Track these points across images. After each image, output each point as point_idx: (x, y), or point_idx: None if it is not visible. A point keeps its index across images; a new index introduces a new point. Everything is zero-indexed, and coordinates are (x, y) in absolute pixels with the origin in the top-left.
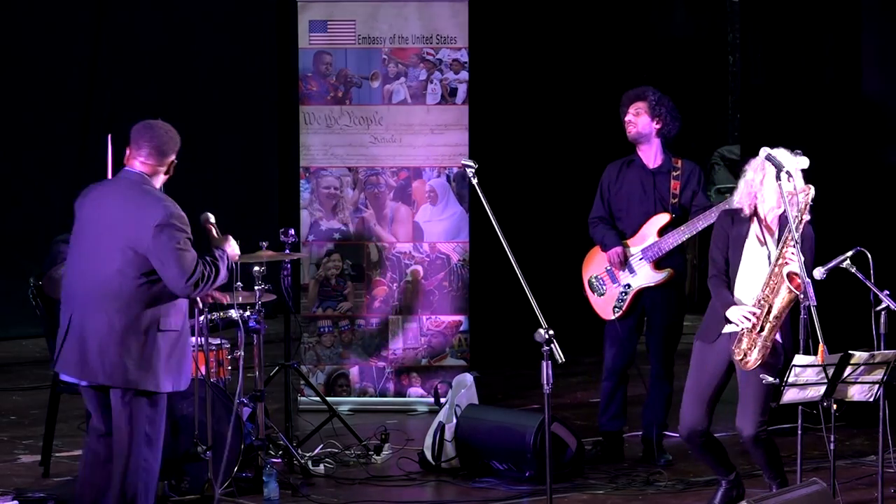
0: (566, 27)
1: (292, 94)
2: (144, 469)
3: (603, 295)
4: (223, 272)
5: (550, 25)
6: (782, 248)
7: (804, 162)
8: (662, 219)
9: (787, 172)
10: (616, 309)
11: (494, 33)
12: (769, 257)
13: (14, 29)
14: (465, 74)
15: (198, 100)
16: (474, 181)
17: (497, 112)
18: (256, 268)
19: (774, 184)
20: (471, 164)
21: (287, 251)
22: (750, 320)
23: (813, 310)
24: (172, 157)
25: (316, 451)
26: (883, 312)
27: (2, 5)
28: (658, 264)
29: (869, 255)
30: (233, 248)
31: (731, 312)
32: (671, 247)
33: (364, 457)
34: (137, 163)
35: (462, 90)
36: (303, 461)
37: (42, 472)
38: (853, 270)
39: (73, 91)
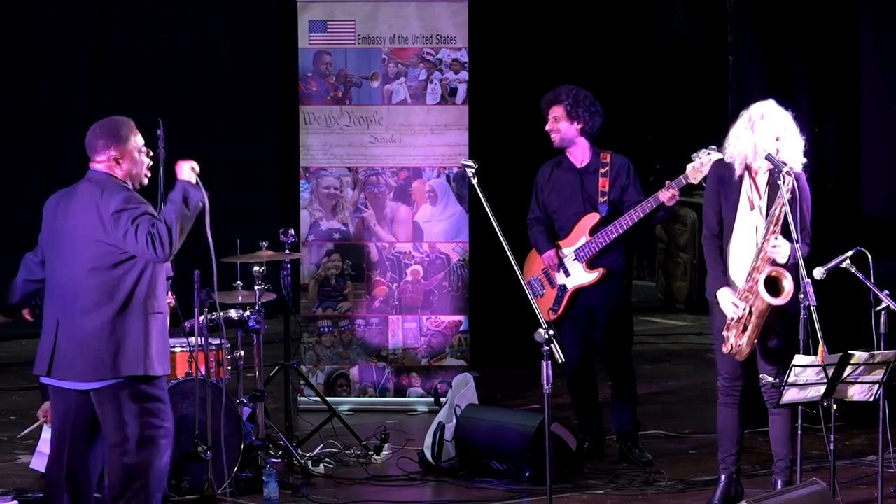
0: (566, 27)
1: (292, 94)
2: (142, 459)
3: (542, 296)
4: (177, 209)
5: (550, 25)
6: (766, 236)
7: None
8: (592, 219)
9: (788, 172)
10: (552, 310)
11: (494, 33)
12: (756, 229)
13: (15, 30)
14: (464, 74)
15: (198, 100)
16: (474, 181)
17: (497, 112)
18: (256, 268)
19: (765, 141)
20: (471, 164)
21: (287, 251)
22: (736, 313)
23: (813, 310)
24: (134, 141)
25: (316, 451)
26: (883, 312)
27: (3, 6)
28: (591, 264)
29: (869, 255)
30: (183, 173)
31: (722, 297)
32: (602, 246)
33: (364, 457)
34: (99, 163)
35: (462, 90)
36: (303, 461)
37: (42, 472)
38: (853, 270)
39: (73, 91)
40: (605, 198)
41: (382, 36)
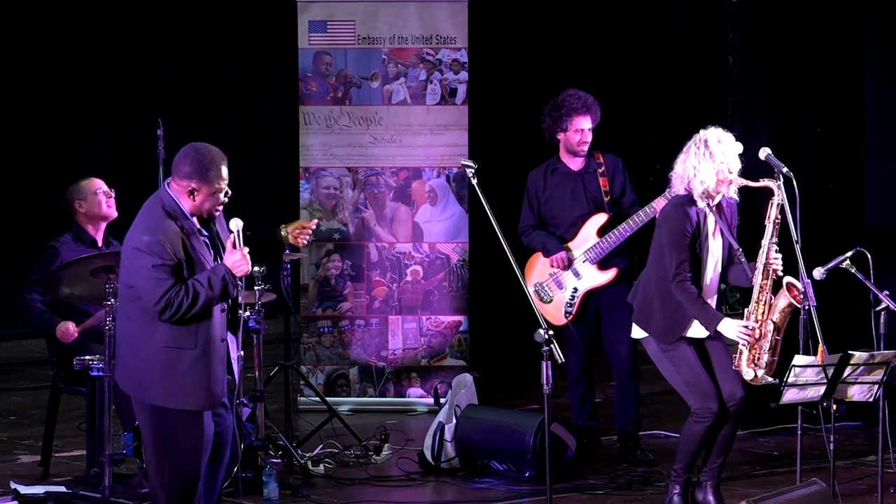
0: (566, 27)
1: (292, 94)
2: (158, 481)
3: (551, 301)
4: (203, 296)
5: (550, 25)
6: (766, 252)
7: (738, 147)
8: (600, 219)
9: (781, 174)
10: (567, 314)
11: (494, 33)
12: (722, 248)
13: (15, 29)
14: (464, 74)
15: (198, 100)
16: (474, 181)
17: (497, 112)
18: (256, 268)
19: (731, 163)
20: (470, 164)
21: (287, 251)
22: (750, 336)
23: (813, 310)
24: (218, 181)
25: (316, 452)
26: (883, 312)
27: (3, 5)
28: (602, 265)
29: (869, 256)
30: (232, 259)
31: (726, 328)
32: (613, 246)
33: (364, 457)
34: (174, 183)
35: (462, 90)
36: (303, 461)
37: (42, 473)
38: (853, 270)
39: (73, 91)
40: (609, 197)
41: (382, 36)
